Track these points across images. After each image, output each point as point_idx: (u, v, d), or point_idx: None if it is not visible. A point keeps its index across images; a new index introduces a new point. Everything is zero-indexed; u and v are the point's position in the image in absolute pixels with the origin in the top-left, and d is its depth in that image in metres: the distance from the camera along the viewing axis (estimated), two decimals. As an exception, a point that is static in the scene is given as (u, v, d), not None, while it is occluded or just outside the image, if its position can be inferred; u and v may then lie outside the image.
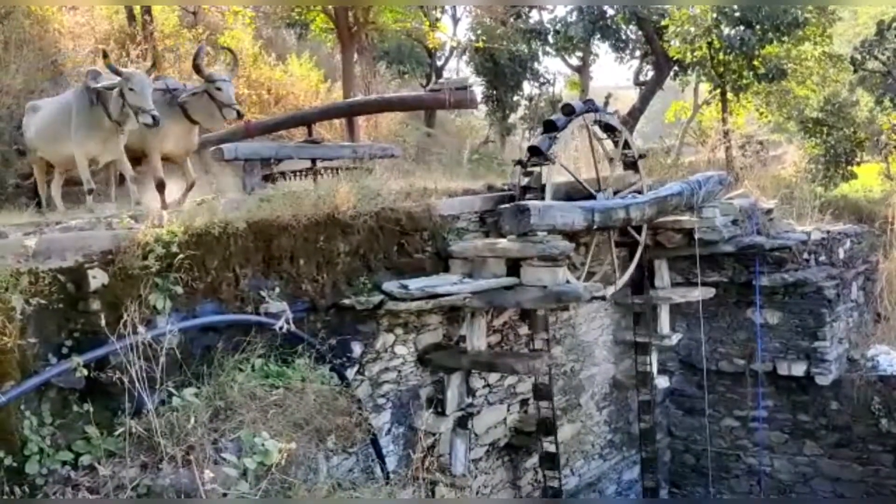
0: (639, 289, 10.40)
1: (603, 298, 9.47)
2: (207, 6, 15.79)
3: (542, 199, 8.35)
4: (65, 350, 4.92)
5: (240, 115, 7.95)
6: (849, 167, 16.63)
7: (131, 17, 12.94)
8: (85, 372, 4.79)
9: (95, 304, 5.01)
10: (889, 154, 17.44)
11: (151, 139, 7.44)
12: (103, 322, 4.86)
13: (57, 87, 10.20)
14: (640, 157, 10.03)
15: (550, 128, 8.74)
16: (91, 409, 4.90)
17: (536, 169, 8.57)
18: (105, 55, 7.35)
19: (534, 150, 8.64)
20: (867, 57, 16.13)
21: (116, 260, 5.15)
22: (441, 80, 13.27)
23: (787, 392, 10.84)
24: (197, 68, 7.55)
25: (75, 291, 5.00)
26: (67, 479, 4.65)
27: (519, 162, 8.79)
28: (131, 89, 6.87)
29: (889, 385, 10.30)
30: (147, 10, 12.90)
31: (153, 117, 6.81)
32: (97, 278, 5.02)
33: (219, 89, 7.47)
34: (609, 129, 9.65)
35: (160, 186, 7.36)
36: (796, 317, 10.47)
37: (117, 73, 7.01)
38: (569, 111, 8.92)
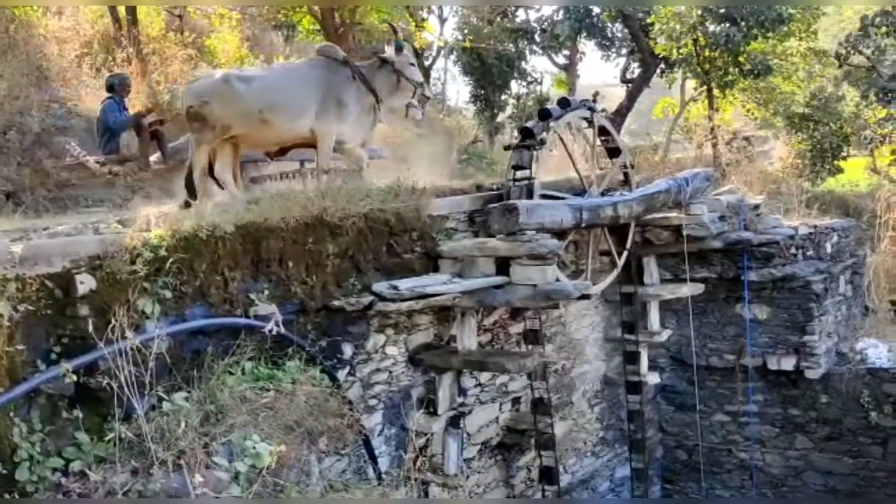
0: (628, 286, 10.43)
1: (587, 297, 9.50)
2: (193, 9, 15.75)
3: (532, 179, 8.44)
4: (53, 356, 4.89)
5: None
6: (835, 162, 16.71)
7: (116, 20, 12.90)
8: (74, 378, 4.75)
9: (84, 310, 4.98)
10: (875, 148, 17.53)
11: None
12: (91, 327, 4.83)
13: (41, 93, 10.17)
14: (630, 166, 10.05)
15: (545, 116, 8.85)
16: (81, 415, 4.87)
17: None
18: (394, 30, 7.39)
19: (526, 132, 8.70)
20: (851, 52, 16.19)
21: (104, 265, 5.11)
22: None
23: (777, 386, 10.89)
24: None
25: (63, 297, 4.96)
26: (58, 486, 4.62)
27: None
28: (412, 64, 6.84)
29: (878, 378, 10.38)
30: (132, 14, 12.87)
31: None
32: (85, 283, 4.99)
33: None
34: (603, 132, 9.69)
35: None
36: (785, 311, 10.53)
37: (400, 48, 6.95)
38: (564, 104, 9.04)
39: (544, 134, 8.60)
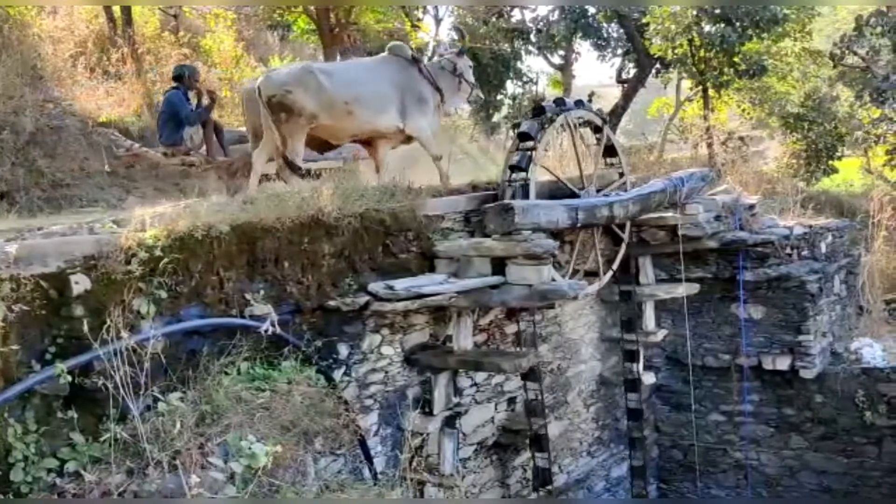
0: (624, 286, 10.44)
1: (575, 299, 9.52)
2: (188, 9, 15.73)
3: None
4: (48, 356, 4.88)
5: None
6: (830, 162, 16.76)
7: (111, 20, 12.87)
8: (69, 378, 4.75)
9: (79, 310, 4.96)
10: (869, 148, 17.59)
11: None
12: (87, 328, 4.81)
13: (36, 92, 10.14)
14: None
15: (560, 103, 8.95)
16: (76, 416, 4.86)
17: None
18: (462, 34, 7.73)
19: (538, 109, 8.74)
20: (846, 52, 16.25)
21: (100, 265, 5.11)
22: None
23: (772, 386, 10.90)
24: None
25: (58, 297, 4.95)
26: (53, 487, 4.62)
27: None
28: (470, 66, 7.10)
29: (872, 377, 10.38)
30: (127, 13, 12.85)
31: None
32: (80, 283, 4.98)
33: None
34: (610, 152, 9.72)
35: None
36: (780, 311, 10.53)
37: (463, 52, 7.23)
38: (578, 104, 9.15)
39: (555, 116, 8.64)
